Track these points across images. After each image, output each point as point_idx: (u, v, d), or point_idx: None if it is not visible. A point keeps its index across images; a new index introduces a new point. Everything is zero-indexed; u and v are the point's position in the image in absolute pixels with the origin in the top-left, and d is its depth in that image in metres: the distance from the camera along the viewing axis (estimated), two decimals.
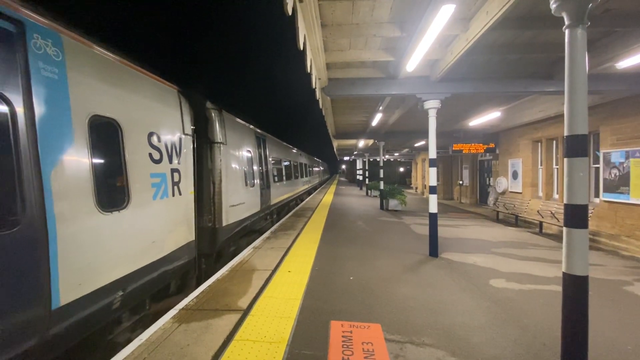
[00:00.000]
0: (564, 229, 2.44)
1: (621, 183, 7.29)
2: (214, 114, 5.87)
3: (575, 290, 2.36)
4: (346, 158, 41.62)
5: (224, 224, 6.00)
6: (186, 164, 4.83)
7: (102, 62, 3.33)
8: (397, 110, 9.77)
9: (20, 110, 2.38)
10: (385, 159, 23.30)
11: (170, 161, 4.40)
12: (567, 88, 2.41)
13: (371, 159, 29.17)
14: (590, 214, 7.76)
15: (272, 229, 9.04)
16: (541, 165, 10.69)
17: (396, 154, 27.66)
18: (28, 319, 2.37)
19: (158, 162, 4.12)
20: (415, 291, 4.46)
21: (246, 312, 3.72)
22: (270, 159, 10.69)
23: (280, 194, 11.74)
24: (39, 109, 2.52)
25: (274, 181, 10.92)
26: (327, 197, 20.35)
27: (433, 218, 6.26)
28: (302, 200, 18.73)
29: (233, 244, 6.94)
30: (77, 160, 2.87)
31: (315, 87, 6.37)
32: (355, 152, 29.69)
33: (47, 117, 2.60)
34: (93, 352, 3.27)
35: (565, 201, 2.45)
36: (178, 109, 4.76)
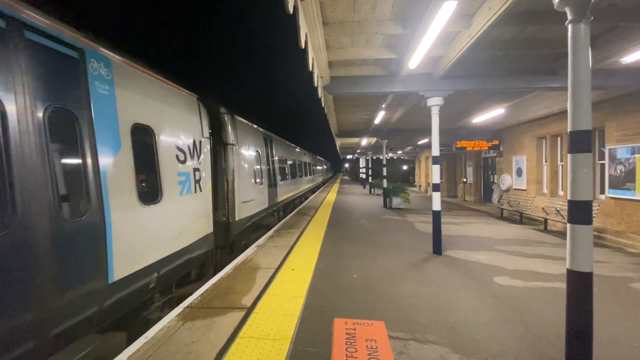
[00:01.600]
0: (568, 225, 2.43)
1: (627, 179, 7.21)
2: (226, 118, 6.43)
3: (580, 287, 2.35)
4: (349, 156, 41.57)
5: (237, 218, 6.50)
6: (205, 163, 5.39)
7: (139, 78, 3.89)
8: (400, 107, 9.75)
9: (83, 122, 2.93)
10: (388, 157, 23.25)
11: (193, 161, 4.97)
12: (571, 84, 2.39)
13: (374, 157, 29.10)
14: (595, 211, 7.70)
15: (276, 227, 9.08)
16: (546, 162, 10.62)
17: (399, 152, 27.59)
18: (93, 289, 2.95)
19: (183, 162, 4.68)
20: (419, 289, 4.46)
21: (250, 309, 3.74)
22: (277, 159, 11.19)
23: (285, 192, 12.26)
24: (96, 120, 3.07)
25: (280, 180, 11.44)
26: (330, 195, 20.36)
27: (437, 216, 6.25)
28: (306, 199, 19.16)
29: (244, 237, 7.37)
30: (124, 162, 3.42)
31: (317, 86, 6.37)
32: (358, 151, 29.64)
33: (102, 127, 3.16)
34: (130, 328, 3.76)
35: (569, 197, 2.43)
36: (198, 114, 5.30)
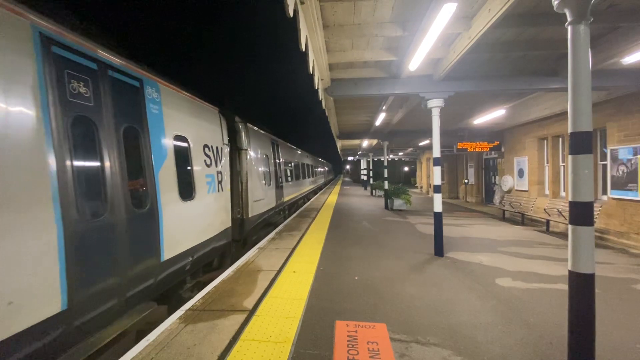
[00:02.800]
0: (570, 226, 2.43)
1: (629, 180, 7.19)
2: (240, 126, 7.20)
3: (582, 288, 2.34)
4: (350, 158, 41.58)
5: (250, 215, 7.31)
6: (225, 167, 6.23)
7: (176, 97, 4.71)
8: (401, 109, 9.75)
9: (143, 136, 3.81)
10: (389, 159, 23.24)
11: (216, 165, 5.81)
12: (571, 85, 2.39)
13: (375, 159, 29.10)
14: (598, 212, 7.67)
15: (277, 229, 9.08)
16: (547, 163, 10.59)
17: (400, 154, 27.57)
18: (152, 265, 3.82)
19: (209, 166, 5.51)
20: (421, 291, 4.44)
21: (252, 312, 3.74)
22: (282, 162, 12.02)
23: (290, 192, 13.19)
24: (151, 134, 3.94)
25: (286, 181, 12.39)
26: (332, 197, 20.35)
27: (438, 217, 6.24)
28: (308, 200, 19.80)
29: (254, 233, 8.17)
30: (169, 165, 4.27)
31: (318, 88, 6.39)
32: (359, 152, 29.64)
33: (155, 139, 4.01)
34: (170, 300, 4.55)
35: (570, 198, 2.43)
36: (219, 124, 6.17)
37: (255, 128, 8.57)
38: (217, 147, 5.89)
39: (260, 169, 8.52)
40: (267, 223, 9.38)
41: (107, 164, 3.23)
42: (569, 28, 2.40)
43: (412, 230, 8.99)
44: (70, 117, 2.89)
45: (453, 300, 4.13)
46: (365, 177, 32.80)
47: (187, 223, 4.68)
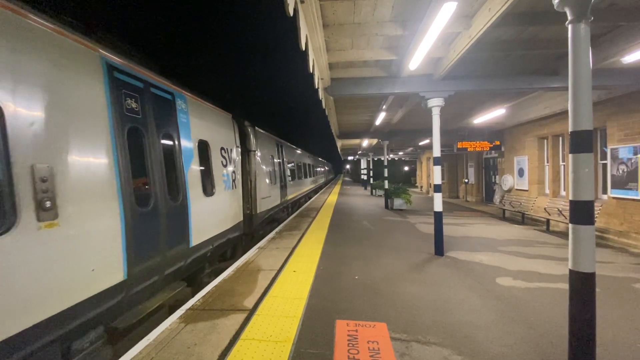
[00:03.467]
0: (570, 225, 2.42)
1: (629, 179, 7.19)
2: (249, 130, 7.88)
3: (582, 287, 2.34)
4: (350, 158, 41.56)
5: (258, 211, 8.01)
6: (237, 167, 6.98)
7: (199, 106, 5.46)
8: (401, 109, 9.75)
9: (176, 141, 4.53)
10: (389, 158, 23.23)
11: (231, 165, 6.54)
12: (571, 84, 2.39)
13: (375, 158, 29.08)
14: (598, 211, 7.66)
15: (277, 229, 9.08)
16: (547, 162, 10.58)
17: (400, 153, 27.57)
18: (183, 249, 4.50)
19: (225, 166, 6.22)
20: (421, 290, 4.44)
21: (252, 311, 3.74)
22: (286, 162, 12.84)
23: (293, 191, 13.99)
24: (181, 140, 4.64)
25: (289, 180, 13.15)
26: (332, 197, 20.35)
27: (438, 217, 6.24)
28: (309, 198, 20.40)
29: (262, 228, 8.84)
30: (195, 166, 4.96)
31: (318, 87, 6.38)
32: (359, 152, 29.64)
33: (184, 144, 4.71)
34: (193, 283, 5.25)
35: (570, 197, 2.43)
36: (232, 129, 6.89)
37: (262, 131, 9.30)
38: (231, 149, 6.64)
39: (266, 168, 9.25)
40: (272, 219, 10.12)
41: (151, 165, 3.96)
42: (570, 27, 2.40)
43: (412, 230, 8.99)
44: (126, 129, 3.53)
45: (453, 299, 4.13)
46: (365, 177, 32.82)
47: (209, 216, 5.40)
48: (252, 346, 3.00)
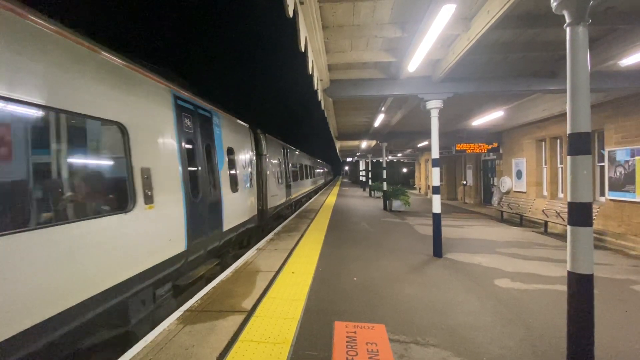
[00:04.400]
0: (568, 227, 2.43)
1: (627, 181, 7.22)
2: (261, 136, 9.26)
3: (580, 289, 2.35)
4: (349, 159, 41.60)
5: (268, 207, 9.30)
6: (253, 169, 8.31)
7: (227, 119, 6.70)
8: (400, 110, 9.76)
9: (213, 150, 5.71)
10: (388, 160, 23.27)
11: (248, 167, 7.86)
12: (569, 86, 2.40)
13: (374, 160, 29.09)
14: (596, 213, 7.69)
15: (276, 230, 9.07)
16: (545, 164, 10.63)
17: (399, 155, 27.55)
18: (219, 233, 5.71)
19: (245, 168, 7.51)
20: (420, 291, 4.44)
21: (250, 313, 3.73)
22: (291, 164, 14.25)
23: (297, 190, 15.48)
24: (217, 149, 5.87)
25: (293, 180, 14.56)
26: (330, 198, 20.35)
27: (437, 218, 6.24)
28: (310, 198, 21.62)
29: (270, 222, 10.12)
30: (225, 168, 6.22)
31: (317, 89, 6.39)
32: (358, 153, 29.68)
33: (218, 152, 5.95)
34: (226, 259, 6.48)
35: (569, 199, 2.43)
36: (249, 136, 8.27)
37: (271, 137, 10.58)
38: (248, 154, 8.00)
39: (274, 170, 10.59)
40: (279, 215, 11.47)
41: (199, 168, 5.14)
42: (568, 29, 2.41)
43: (410, 231, 9.00)
44: (184, 141, 4.73)
45: (452, 301, 4.13)
46: (364, 179, 32.83)
47: (234, 208, 6.55)
48: (250, 348, 2.99)
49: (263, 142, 9.25)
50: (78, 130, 3.18)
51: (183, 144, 4.66)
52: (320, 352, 2.93)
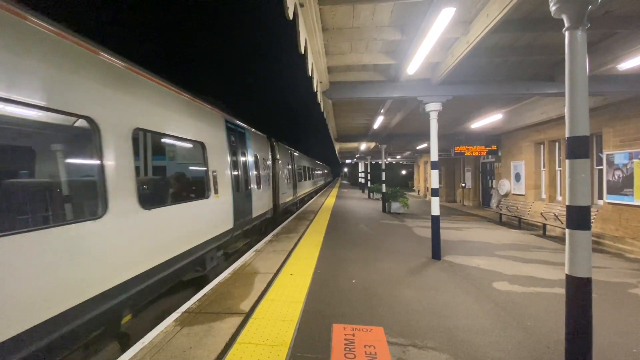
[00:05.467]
0: (567, 230, 2.43)
1: (625, 185, 7.24)
2: (275, 144, 11.40)
3: (579, 292, 2.35)
4: (348, 161, 41.66)
5: (280, 202, 11.33)
6: (270, 171, 10.31)
7: (254, 134, 8.70)
8: (399, 113, 9.78)
9: (247, 156, 7.78)
10: (387, 162, 23.28)
11: (267, 169, 9.81)
12: (568, 90, 2.41)
13: (373, 162, 29.16)
14: (594, 216, 7.71)
15: (274, 232, 9.06)
16: (544, 167, 10.65)
17: (398, 157, 27.63)
18: (250, 218, 7.66)
19: (265, 169, 9.46)
20: (418, 294, 4.44)
21: (248, 315, 3.72)
22: (297, 167, 16.48)
23: (301, 190, 17.79)
24: (248, 155, 7.91)
25: (298, 181, 16.78)
26: (330, 199, 20.34)
27: (435, 221, 6.24)
28: (311, 197, 23.39)
29: (281, 216, 11.79)
30: (254, 170, 8.17)
31: (317, 91, 6.40)
32: (357, 155, 29.67)
33: (249, 157, 7.96)
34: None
35: (567, 202, 2.44)
36: (268, 144, 10.42)
37: (282, 144, 12.98)
38: (267, 159, 10.06)
39: (284, 172, 12.80)
40: (287, 211, 13.47)
41: (239, 170, 7.01)
42: (567, 33, 2.42)
43: (409, 234, 9.00)
44: (232, 151, 6.60)
45: (450, 303, 4.12)
46: (363, 180, 32.87)
47: (258, 201, 8.48)
48: (248, 350, 2.98)
49: (276, 149, 11.42)
50: (187, 148, 5.43)
51: (230, 153, 6.55)
52: (318, 355, 2.92)
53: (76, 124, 2.84)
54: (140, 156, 4.37)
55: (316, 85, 6.09)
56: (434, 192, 6.39)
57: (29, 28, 2.44)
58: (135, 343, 3.11)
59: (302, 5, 3.50)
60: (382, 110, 9.21)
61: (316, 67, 5.46)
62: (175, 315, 3.70)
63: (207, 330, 3.36)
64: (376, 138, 15.00)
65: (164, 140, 4.77)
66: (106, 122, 3.08)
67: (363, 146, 20.00)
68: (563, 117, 2.51)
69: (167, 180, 5.36)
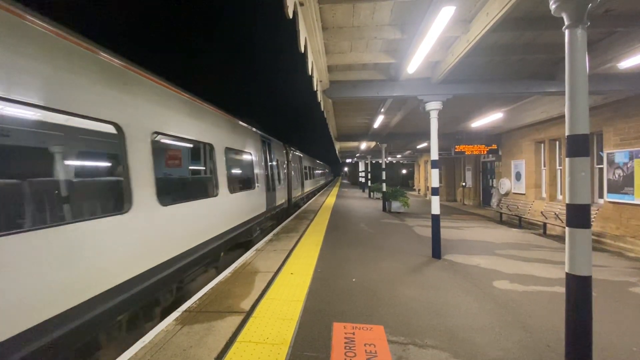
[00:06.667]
0: (567, 229, 2.43)
1: (625, 183, 7.23)
2: (288, 150, 13.75)
3: (579, 291, 2.35)
4: (348, 160, 41.66)
5: (292, 196, 13.81)
6: (284, 171, 12.44)
7: (274, 141, 11.21)
8: (399, 112, 9.78)
9: (271, 161, 10.25)
10: (387, 161, 23.28)
11: (284, 170, 12.41)
12: (568, 88, 2.41)
13: (373, 161, 29.13)
14: (594, 215, 7.71)
15: (275, 231, 9.06)
16: (544, 166, 10.64)
17: (398, 156, 27.61)
18: (274, 206, 10.20)
19: (283, 170, 12.02)
20: (418, 293, 4.44)
21: (249, 314, 3.72)
22: (304, 167, 19.10)
23: (307, 187, 20.76)
24: (272, 160, 10.48)
25: (305, 180, 19.42)
26: (330, 199, 20.34)
27: (436, 220, 6.24)
28: (314, 195, 25.61)
29: (292, 208, 14.00)
30: (275, 172, 10.82)
31: (317, 90, 6.40)
32: (357, 154, 29.67)
33: (272, 161, 10.53)
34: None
35: (567, 201, 2.44)
36: (284, 151, 12.83)
37: (293, 149, 15.46)
38: (284, 162, 12.63)
39: (295, 173, 15.29)
40: (296, 205, 15.66)
41: (268, 171, 9.41)
42: (567, 32, 2.42)
43: (409, 233, 9.00)
44: (263, 157, 9.14)
45: (450, 302, 4.13)
46: (363, 179, 32.86)
47: (278, 194, 10.82)
48: (248, 349, 2.99)
49: (290, 154, 13.99)
50: (245, 157, 7.73)
51: (264, 158, 9.15)
52: (318, 353, 2.92)
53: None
54: (226, 163, 6.17)
55: (316, 85, 6.08)
56: (434, 191, 6.39)
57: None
58: (135, 343, 3.13)
59: (301, 4, 3.50)
60: (382, 110, 9.20)
61: (316, 66, 5.46)
62: (175, 314, 3.70)
63: (207, 329, 3.36)
64: (376, 137, 14.99)
65: (232, 155, 6.70)
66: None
67: (363, 145, 20.00)
68: (563, 116, 2.51)
69: (232, 175, 6.69)
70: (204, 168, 5.72)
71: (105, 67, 3.27)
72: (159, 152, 4.10)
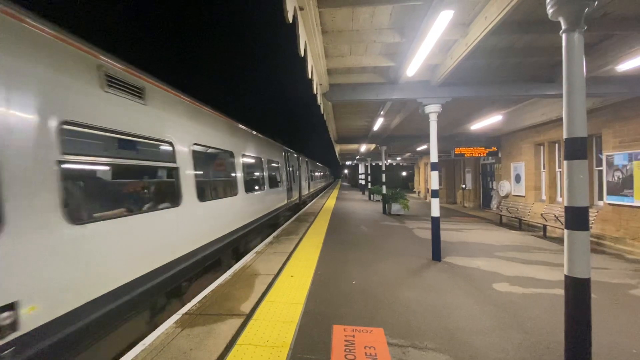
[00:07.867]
0: (565, 231, 2.45)
1: (625, 186, 7.25)
2: (298, 156, 16.45)
3: (578, 293, 2.36)
4: (348, 162, 41.74)
5: (302, 194, 16.96)
6: (296, 174, 15.80)
7: (291, 151, 14.82)
8: (399, 114, 9.81)
9: (287, 168, 13.24)
10: (387, 164, 23.31)
11: (297, 172, 16.02)
12: (566, 91, 2.44)
13: (373, 164, 29.17)
14: (594, 217, 7.71)
15: (275, 233, 9.07)
16: (544, 168, 10.66)
17: (398, 158, 27.63)
18: (290, 201, 13.43)
19: (295, 173, 15.41)
20: (418, 295, 4.44)
21: (249, 316, 3.72)
22: (309, 169, 22.22)
23: (312, 188, 24.26)
24: (289, 167, 13.83)
25: (310, 181, 22.43)
26: (330, 201, 20.35)
27: (435, 222, 6.25)
28: (317, 194, 28.90)
29: (302, 203, 17.28)
30: (291, 176, 14.07)
31: (317, 93, 6.43)
32: (357, 157, 29.68)
33: (290, 167, 13.97)
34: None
35: (566, 203, 2.45)
36: (297, 158, 16.41)
37: (300, 155, 17.86)
38: (297, 167, 15.46)
39: (302, 175, 17.80)
40: (304, 202, 18.28)
41: (289, 174, 13.35)
42: (564, 36, 2.45)
43: (409, 235, 9.00)
44: (287, 164, 12.97)
45: (450, 304, 4.13)
46: (363, 182, 32.87)
47: (293, 192, 13.90)
48: (248, 351, 2.99)
49: (299, 160, 16.59)
50: (274, 166, 10.69)
51: (285, 165, 12.18)
52: (318, 356, 2.92)
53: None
54: (268, 170, 9.67)
55: (316, 88, 6.12)
56: (434, 194, 6.40)
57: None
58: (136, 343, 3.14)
59: (301, 9, 3.54)
60: (382, 112, 9.24)
61: (316, 70, 5.49)
62: (175, 317, 3.71)
63: (207, 331, 3.36)
64: (376, 140, 15.02)
65: (269, 164, 9.99)
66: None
67: (363, 148, 20.01)
68: (562, 119, 2.52)
69: (269, 177, 9.79)
70: (258, 173, 8.85)
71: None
72: (244, 165, 7.47)
